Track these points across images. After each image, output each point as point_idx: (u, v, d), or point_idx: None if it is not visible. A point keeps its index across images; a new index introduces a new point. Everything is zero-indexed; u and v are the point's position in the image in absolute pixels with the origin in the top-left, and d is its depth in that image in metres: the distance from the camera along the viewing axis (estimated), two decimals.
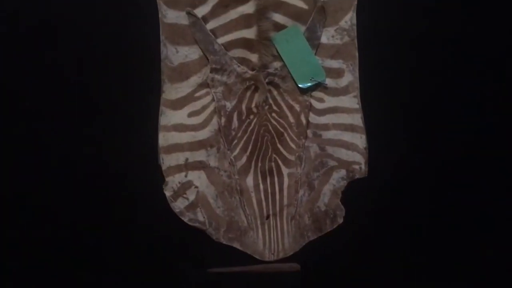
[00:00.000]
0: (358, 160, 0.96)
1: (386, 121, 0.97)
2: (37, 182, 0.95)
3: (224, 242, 0.95)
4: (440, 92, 0.99)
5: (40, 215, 0.95)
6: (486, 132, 0.99)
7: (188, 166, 0.95)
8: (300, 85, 0.93)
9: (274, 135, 0.94)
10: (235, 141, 0.94)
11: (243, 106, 0.94)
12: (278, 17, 0.93)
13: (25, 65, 0.94)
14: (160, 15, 0.93)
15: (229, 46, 0.93)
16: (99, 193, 0.95)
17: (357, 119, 0.96)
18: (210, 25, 0.93)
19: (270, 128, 0.94)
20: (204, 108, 0.94)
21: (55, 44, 0.94)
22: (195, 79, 0.94)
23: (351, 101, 0.95)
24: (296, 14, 0.93)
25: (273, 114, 0.94)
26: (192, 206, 0.95)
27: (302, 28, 0.93)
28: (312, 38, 0.93)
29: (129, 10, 0.94)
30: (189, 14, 0.92)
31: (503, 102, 0.99)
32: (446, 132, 0.99)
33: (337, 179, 0.96)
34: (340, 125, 0.95)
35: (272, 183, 0.94)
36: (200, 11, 0.93)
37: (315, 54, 0.94)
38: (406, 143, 0.98)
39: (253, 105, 0.94)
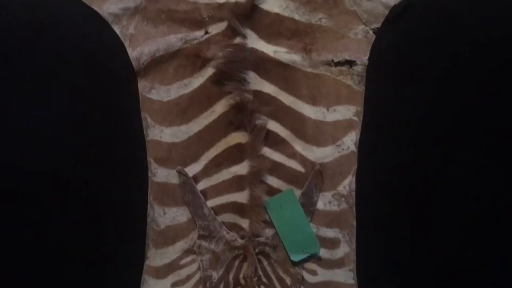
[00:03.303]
0: None
1: None
2: None
3: None
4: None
5: None
6: None
7: None
8: (292, 258, 0.87)
9: None
10: None
11: (230, 277, 0.87)
12: (272, 181, 0.88)
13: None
14: (149, 174, 0.89)
15: (219, 209, 0.88)
16: None
17: None
18: (201, 185, 0.89)
19: None
20: (188, 278, 0.88)
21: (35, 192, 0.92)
22: (181, 245, 0.89)
23: (346, 275, 0.88)
24: (292, 178, 0.89)
25: (262, 287, 0.88)
26: None
27: (298, 193, 0.88)
28: (308, 204, 0.88)
29: (119, 168, 0.91)
30: (180, 173, 0.89)
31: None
32: None
33: None
34: None
35: None
36: (192, 170, 0.89)
37: (310, 221, 0.88)
38: None
39: (241, 275, 0.87)
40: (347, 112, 0.90)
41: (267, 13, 0.89)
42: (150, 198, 0.89)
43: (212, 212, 0.88)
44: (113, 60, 0.91)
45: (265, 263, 0.88)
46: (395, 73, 0.92)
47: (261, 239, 0.88)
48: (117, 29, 0.90)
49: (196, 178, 0.89)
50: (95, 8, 0.90)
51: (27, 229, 0.92)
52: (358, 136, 0.90)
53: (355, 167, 0.90)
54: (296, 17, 0.89)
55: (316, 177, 0.88)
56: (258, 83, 0.88)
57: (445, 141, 0.92)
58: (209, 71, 0.89)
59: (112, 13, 0.90)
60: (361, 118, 0.90)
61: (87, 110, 0.91)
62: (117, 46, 0.90)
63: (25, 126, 0.91)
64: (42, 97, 0.91)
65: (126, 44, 0.90)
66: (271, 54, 0.89)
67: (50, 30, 0.91)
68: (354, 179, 0.90)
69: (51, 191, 0.91)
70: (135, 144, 0.90)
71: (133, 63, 0.90)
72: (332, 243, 0.89)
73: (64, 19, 0.91)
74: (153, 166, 0.89)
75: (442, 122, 0.92)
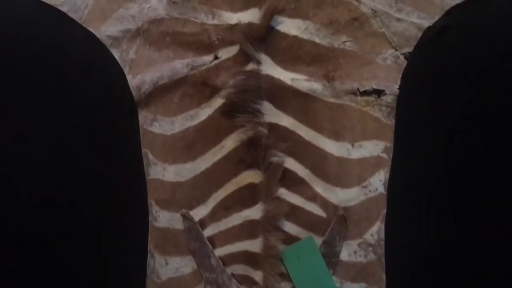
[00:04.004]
0: None
1: None
2: None
3: None
4: None
5: None
6: None
7: None
8: None
9: None
10: None
11: None
12: (289, 227, 0.81)
13: None
14: (150, 218, 0.83)
15: (228, 260, 0.81)
16: None
17: None
18: (208, 231, 0.82)
19: None
20: None
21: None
22: None
23: None
24: (312, 224, 0.81)
25: None
26: None
27: (318, 241, 0.80)
28: (330, 255, 0.80)
29: (115, 212, 0.85)
30: (184, 217, 0.82)
31: None
32: None
33: None
34: None
35: None
36: (198, 213, 0.82)
37: (333, 274, 0.80)
38: None
39: None
40: (374, 148, 0.83)
41: (284, 35, 0.82)
42: (151, 246, 0.83)
43: (221, 262, 0.81)
44: (111, 89, 0.86)
45: None
46: (429, 104, 0.85)
47: None
48: (116, 53, 0.85)
49: (203, 223, 0.82)
50: (91, 30, 0.85)
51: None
52: (388, 176, 0.83)
53: (384, 211, 0.82)
54: (317, 40, 0.83)
55: (339, 223, 0.81)
56: (273, 115, 0.82)
57: (489, 182, 0.84)
58: (218, 102, 0.83)
59: (110, 36, 0.85)
60: (391, 156, 0.83)
61: (80, 146, 0.86)
62: (116, 73, 0.85)
63: (12, 165, 0.85)
64: (30, 133, 0.86)
65: (126, 70, 0.85)
66: (289, 82, 0.82)
67: (38, 55, 0.85)
68: (383, 225, 0.82)
69: (37, 242, 0.85)
70: (134, 184, 0.85)
71: (133, 92, 0.85)
72: None
73: (55, 42, 0.86)
74: (154, 209, 0.83)
75: (484, 159, 0.84)
